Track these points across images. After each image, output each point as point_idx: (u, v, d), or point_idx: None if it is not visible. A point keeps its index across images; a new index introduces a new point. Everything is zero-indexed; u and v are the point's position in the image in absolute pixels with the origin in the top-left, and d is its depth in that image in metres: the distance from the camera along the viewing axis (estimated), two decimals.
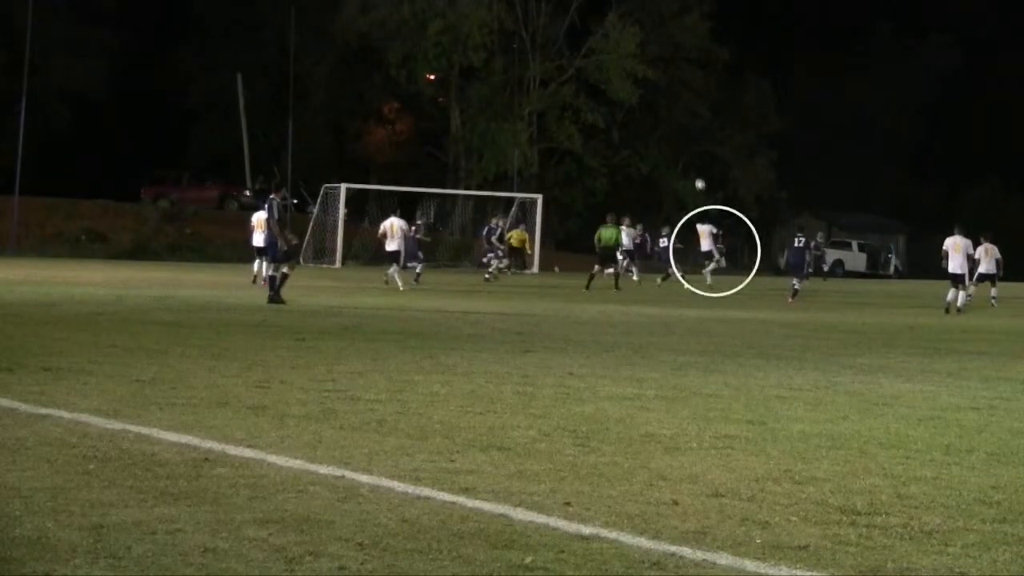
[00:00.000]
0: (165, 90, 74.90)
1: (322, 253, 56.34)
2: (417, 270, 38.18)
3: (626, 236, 45.31)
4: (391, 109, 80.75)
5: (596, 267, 39.63)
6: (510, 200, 63.59)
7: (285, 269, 26.38)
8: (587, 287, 37.85)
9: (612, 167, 78.97)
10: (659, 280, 44.94)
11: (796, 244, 38.39)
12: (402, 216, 37.45)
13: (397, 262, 35.71)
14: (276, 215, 26.44)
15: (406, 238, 36.52)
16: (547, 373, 14.38)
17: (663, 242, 48.60)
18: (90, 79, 69.90)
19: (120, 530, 6.61)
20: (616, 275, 39.54)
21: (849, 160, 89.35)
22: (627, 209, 53.17)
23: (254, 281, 34.19)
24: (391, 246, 35.84)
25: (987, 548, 6.80)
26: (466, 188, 70.21)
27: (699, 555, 6.51)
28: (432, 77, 75.68)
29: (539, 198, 62.97)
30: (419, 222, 46.04)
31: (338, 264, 55.13)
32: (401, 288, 33.95)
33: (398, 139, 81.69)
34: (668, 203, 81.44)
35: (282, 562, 6.14)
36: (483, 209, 60.53)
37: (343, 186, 57.66)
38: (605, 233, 39.94)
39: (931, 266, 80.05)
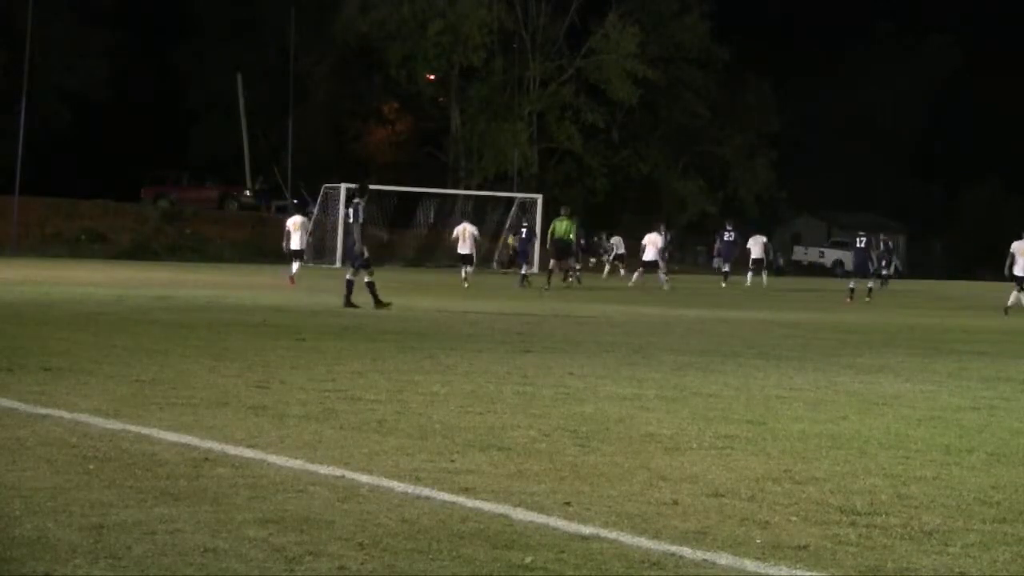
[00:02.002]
0: (165, 90, 74.86)
1: (322, 253, 56.30)
2: (523, 271, 42.55)
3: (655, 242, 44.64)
4: (391, 109, 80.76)
5: (551, 262, 40.44)
6: (510, 201, 63.65)
7: (367, 277, 26.15)
8: (547, 286, 38.33)
9: (612, 167, 79.00)
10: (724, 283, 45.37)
11: (858, 245, 38.30)
12: (473, 223, 41.32)
13: (470, 263, 39.51)
14: (361, 219, 26.41)
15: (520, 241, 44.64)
16: (547, 373, 14.38)
17: (728, 236, 48.16)
18: (90, 79, 69.86)
19: (120, 530, 6.60)
20: (567, 273, 39.59)
21: (849, 160, 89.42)
22: (626, 208, 53.31)
23: (292, 282, 35.24)
24: (463, 249, 39.44)
25: (987, 548, 6.80)
26: (466, 188, 70.20)
27: (699, 555, 6.51)
28: (432, 77, 75.68)
29: (539, 198, 62.97)
30: (525, 225, 47.50)
31: (338, 264, 55.12)
32: (465, 286, 36.70)
33: (398, 139, 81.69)
34: (668, 203, 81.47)
35: (282, 562, 6.13)
36: (483, 209, 60.57)
37: (343, 186, 57.64)
38: (559, 226, 40.07)
39: (932, 266, 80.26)
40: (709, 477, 8.47)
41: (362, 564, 6.13)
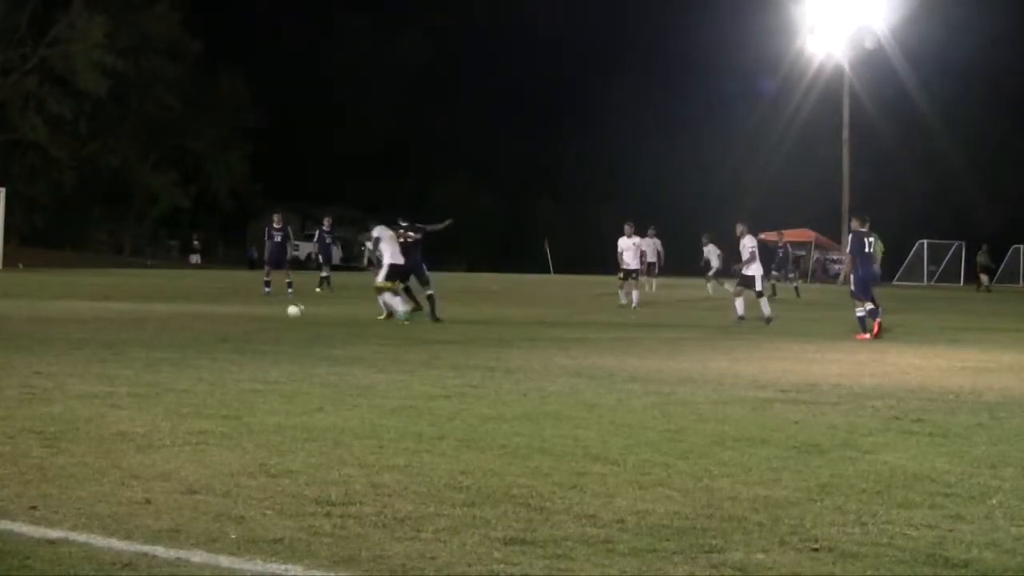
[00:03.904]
0: None
1: None
2: None
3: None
4: None
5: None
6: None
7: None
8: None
9: (80, 160, 76.82)
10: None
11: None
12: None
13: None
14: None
15: None
16: (11, 373, 13.80)
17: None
18: None
19: None
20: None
21: (327, 152, 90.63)
22: (96, 202, 51.66)
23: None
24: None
25: (456, 532, 6.97)
26: None
27: (172, 553, 6.40)
28: None
29: (1, 192, 60.37)
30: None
31: None
32: None
33: None
34: (140, 197, 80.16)
35: None
36: None
37: None
38: None
39: None
40: (183, 474, 8.33)
41: None
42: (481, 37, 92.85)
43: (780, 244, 44.30)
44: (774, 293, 40.13)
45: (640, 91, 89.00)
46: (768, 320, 27.55)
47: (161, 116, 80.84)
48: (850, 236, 24.50)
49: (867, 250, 24.02)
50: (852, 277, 24.11)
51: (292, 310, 25.43)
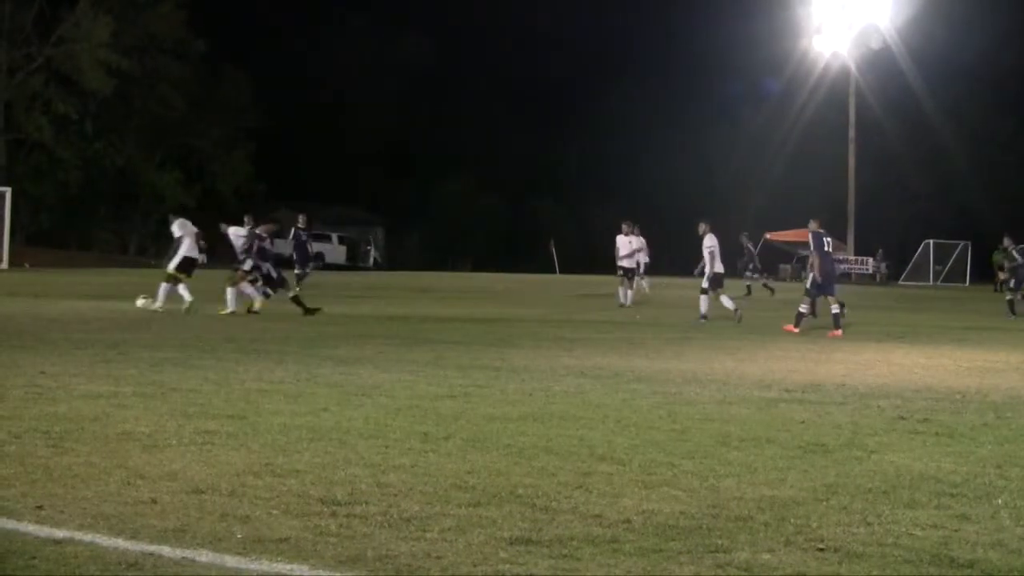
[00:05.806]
0: None
1: None
2: None
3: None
4: None
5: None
6: None
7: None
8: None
9: (86, 159, 76.82)
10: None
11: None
12: None
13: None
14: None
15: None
16: (17, 373, 13.79)
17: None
18: None
19: None
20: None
21: (333, 153, 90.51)
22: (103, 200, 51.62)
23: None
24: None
25: (462, 531, 6.97)
26: None
27: (178, 553, 6.40)
28: None
29: (7, 192, 60.40)
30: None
31: None
32: None
33: None
34: (144, 196, 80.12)
35: None
36: None
37: None
38: None
39: (407, 257, 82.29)
40: (189, 474, 8.33)
41: None
42: (481, 37, 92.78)
43: (746, 246, 43.26)
44: (749, 292, 39.90)
45: (643, 91, 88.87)
46: (704, 318, 27.28)
47: (166, 115, 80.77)
48: (811, 236, 25.43)
49: (826, 248, 25.40)
50: (813, 275, 25.21)
51: (140, 302, 26.00)
